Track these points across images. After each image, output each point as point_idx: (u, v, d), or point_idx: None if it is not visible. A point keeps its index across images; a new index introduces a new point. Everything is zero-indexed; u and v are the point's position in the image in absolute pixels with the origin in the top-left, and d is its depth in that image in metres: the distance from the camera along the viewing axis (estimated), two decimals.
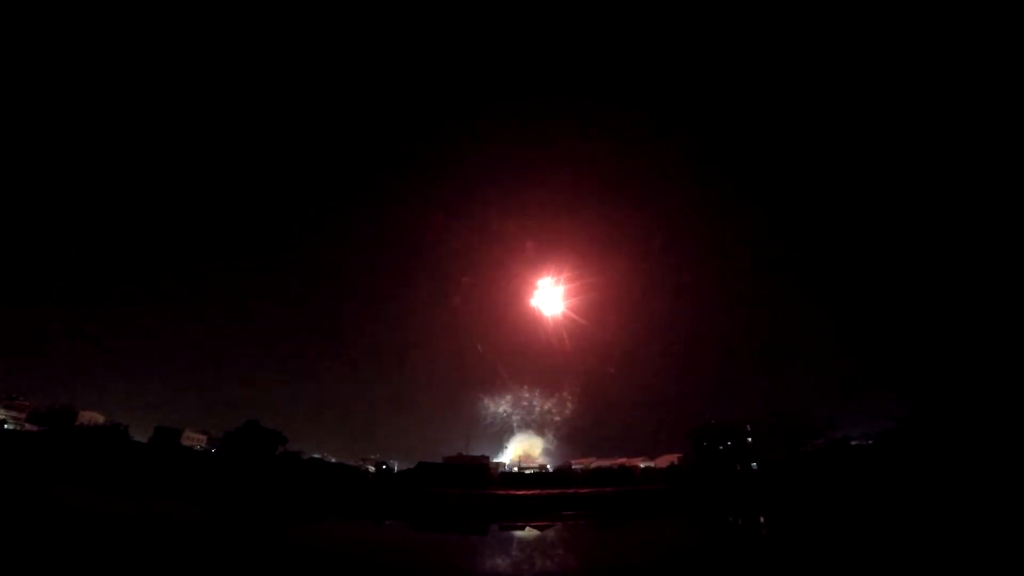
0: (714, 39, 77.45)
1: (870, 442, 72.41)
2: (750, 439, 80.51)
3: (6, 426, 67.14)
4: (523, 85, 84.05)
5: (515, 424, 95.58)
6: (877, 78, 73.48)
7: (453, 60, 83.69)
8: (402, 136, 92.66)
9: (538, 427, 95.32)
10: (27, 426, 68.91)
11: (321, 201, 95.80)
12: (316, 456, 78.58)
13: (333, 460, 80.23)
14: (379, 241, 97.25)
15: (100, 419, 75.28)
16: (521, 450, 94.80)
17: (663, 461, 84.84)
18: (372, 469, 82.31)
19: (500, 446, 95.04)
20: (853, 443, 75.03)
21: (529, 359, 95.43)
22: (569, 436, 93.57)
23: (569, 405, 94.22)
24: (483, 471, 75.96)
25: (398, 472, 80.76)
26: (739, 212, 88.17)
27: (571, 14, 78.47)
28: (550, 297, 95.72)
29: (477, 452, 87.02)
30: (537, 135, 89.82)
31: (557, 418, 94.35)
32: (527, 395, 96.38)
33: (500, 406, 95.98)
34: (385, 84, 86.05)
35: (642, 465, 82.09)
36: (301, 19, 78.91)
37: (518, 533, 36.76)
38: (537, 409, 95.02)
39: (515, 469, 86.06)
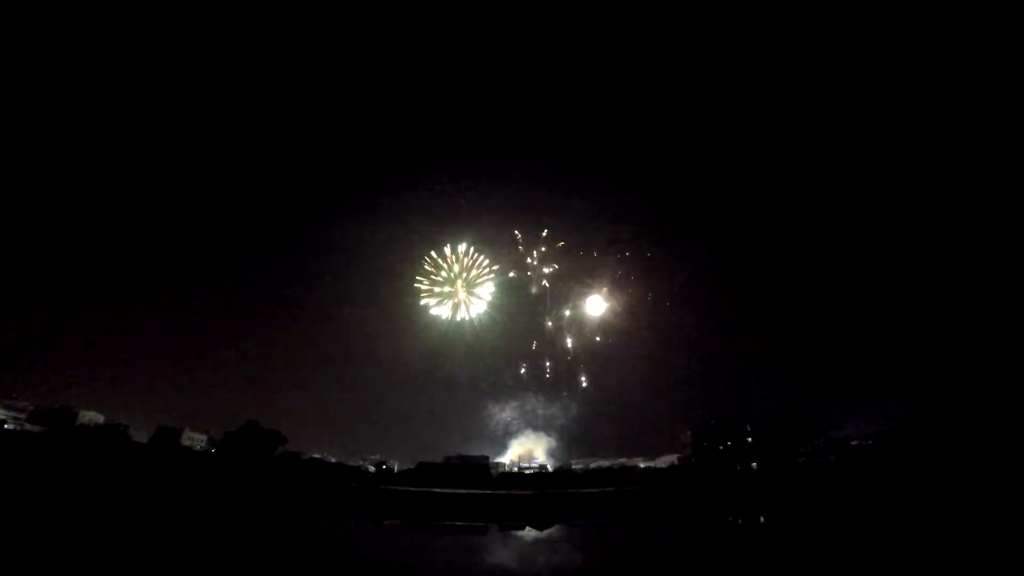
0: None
1: (870, 442, 72.37)
2: (750, 439, 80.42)
3: (6, 426, 67.11)
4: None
5: (516, 425, 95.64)
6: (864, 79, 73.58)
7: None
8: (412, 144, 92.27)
9: (538, 428, 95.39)
10: (27, 426, 68.87)
11: (319, 202, 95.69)
12: (316, 456, 78.52)
13: (333, 460, 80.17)
14: (381, 245, 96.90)
15: (100, 419, 75.22)
16: (522, 450, 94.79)
17: (663, 461, 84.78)
18: (372, 469, 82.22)
19: (501, 446, 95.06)
20: (853, 443, 75.00)
21: (531, 362, 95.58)
22: (569, 436, 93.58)
23: (572, 407, 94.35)
24: (483, 471, 75.85)
25: (398, 472, 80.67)
26: (737, 212, 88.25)
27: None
28: (554, 302, 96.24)
29: (477, 452, 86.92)
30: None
31: (558, 420, 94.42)
32: (529, 397, 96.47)
33: (501, 407, 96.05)
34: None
35: (642, 465, 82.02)
36: None
37: (518, 533, 36.75)
38: (540, 411, 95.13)
39: (515, 469, 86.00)
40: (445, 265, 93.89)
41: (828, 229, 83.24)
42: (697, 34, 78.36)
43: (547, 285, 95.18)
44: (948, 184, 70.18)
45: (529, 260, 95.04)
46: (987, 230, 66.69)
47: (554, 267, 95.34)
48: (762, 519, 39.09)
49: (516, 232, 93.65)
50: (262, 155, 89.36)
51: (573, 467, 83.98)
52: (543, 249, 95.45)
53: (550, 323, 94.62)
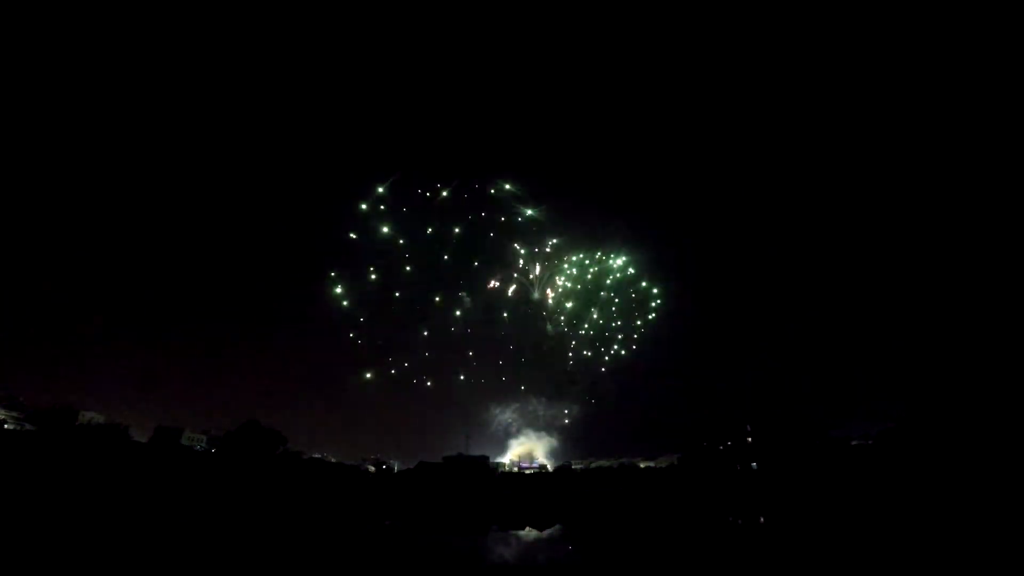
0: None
1: (870, 442, 72.29)
2: (750, 439, 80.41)
3: (6, 426, 67.01)
4: None
5: (517, 425, 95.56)
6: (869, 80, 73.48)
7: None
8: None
9: (539, 428, 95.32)
10: (27, 426, 68.79)
11: (319, 204, 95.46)
12: (316, 456, 78.52)
13: (333, 460, 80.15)
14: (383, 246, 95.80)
15: (100, 419, 75.13)
16: (522, 450, 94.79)
17: (663, 461, 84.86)
18: (372, 469, 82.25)
19: (501, 446, 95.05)
20: (853, 443, 74.90)
21: (532, 362, 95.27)
22: (570, 436, 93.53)
23: (572, 408, 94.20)
24: (483, 471, 75.87)
25: (398, 472, 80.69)
26: (736, 210, 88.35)
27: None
28: (553, 302, 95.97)
29: (477, 452, 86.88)
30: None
31: (559, 420, 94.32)
32: (530, 398, 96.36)
33: (502, 407, 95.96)
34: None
35: (642, 465, 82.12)
36: None
37: (518, 533, 36.72)
38: (540, 412, 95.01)
39: (515, 469, 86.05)
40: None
41: (828, 231, 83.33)
42: (689, 42, 78.44)
43: (549, 291, 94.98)
44: (947, 187, 70.21)
45: (531, 271, 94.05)
46: (985, 232, 66.71)
47: (558, 278, 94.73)
48: (762, 519, 39.08)
49: (517, 245, 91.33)
50: (263, 156, 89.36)
51: (573, 467, 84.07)
52: (545, 261, 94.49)
53: (551, 327, 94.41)
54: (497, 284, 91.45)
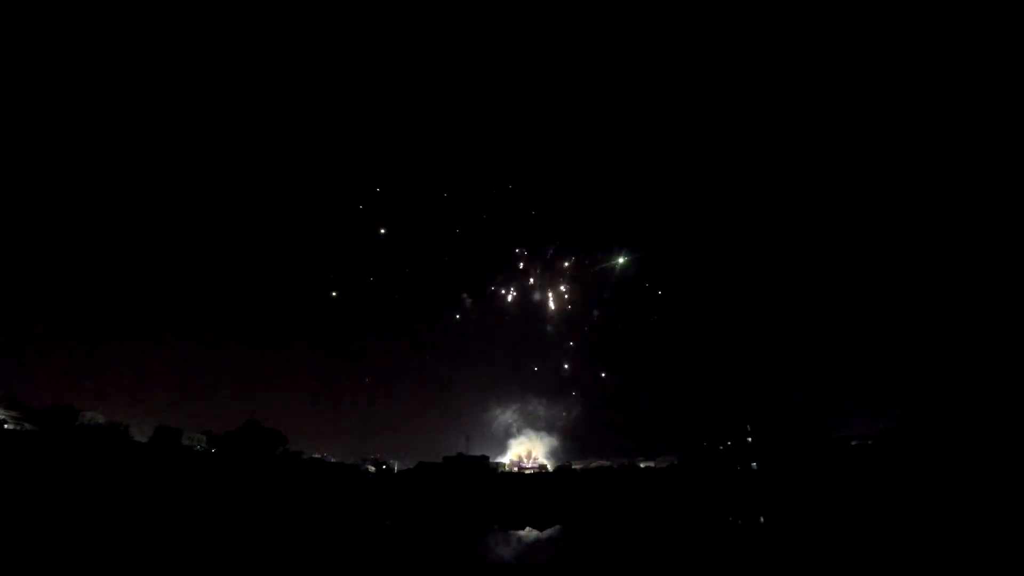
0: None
1: (870, 442, 72.36)
2: (750, 439, 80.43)
3: (6, 426, 66.97)
4: None
5: (517, 425, 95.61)
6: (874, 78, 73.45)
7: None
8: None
9: (539, 428, 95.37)
10: (27, 426, 68.76)
11: (319, 205, 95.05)
12: (316, 456, 78.55)
13: (333, 460, 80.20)
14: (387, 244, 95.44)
15: (100, 419, 75.15)
16: (522, 450, 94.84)
17: (663, 461, 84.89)
18: (372, 469, 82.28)
19: (501, 446, 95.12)
20: (853, 443, 74.96)
21: (532, 361, 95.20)
22: (570, 436, 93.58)
23: (573, 408, 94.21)
24: (483, 471, 75.92)
25: (398, 472, 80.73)
26: (736, 209, 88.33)
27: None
28: (554, 302, 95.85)
29: (477, 452, 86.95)
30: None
31: (560, 420, 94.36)
32: (531, 398, 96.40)
33: (502, 407, 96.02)
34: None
35: (642, 465, 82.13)
36: None
37: (518, 533, 36.76)
38: (540, 412, 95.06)
39: (515, 469, 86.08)
40: None
41: (828, 231, 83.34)
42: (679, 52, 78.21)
43: (551, 292, 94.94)
44: (947, 186, 70.22)
45: (532, 272, 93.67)
46: (985, 232, 66.74)
47: (560, 279, 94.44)
48: (762, 519, 39.11)
49: (518, 249, 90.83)
50: (260, 156, 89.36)
51: (573, 467, 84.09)
52: (548, 262, 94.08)
53: (551, 328, 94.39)
54: (498, 285, 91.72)
